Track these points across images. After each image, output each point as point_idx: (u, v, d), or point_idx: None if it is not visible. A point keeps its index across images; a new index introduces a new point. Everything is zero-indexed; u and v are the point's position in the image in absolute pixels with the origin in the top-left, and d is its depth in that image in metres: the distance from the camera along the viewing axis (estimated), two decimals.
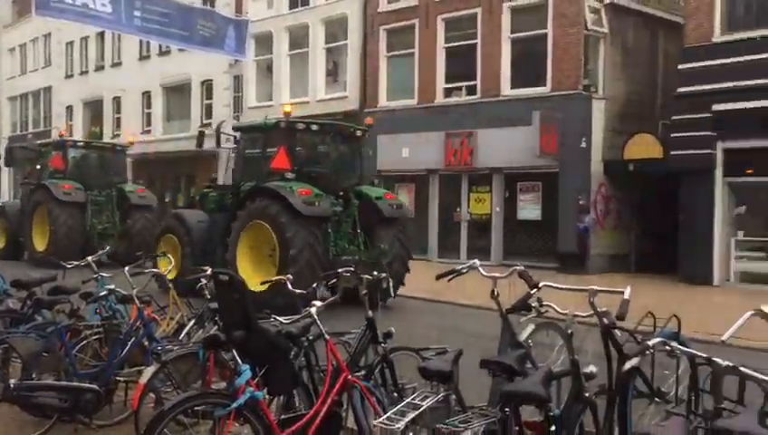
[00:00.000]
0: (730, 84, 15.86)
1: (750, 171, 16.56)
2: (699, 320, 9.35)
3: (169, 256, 8.81)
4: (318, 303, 4.92)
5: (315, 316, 4.80)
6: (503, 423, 3.91)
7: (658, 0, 21.23)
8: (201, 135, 14.70)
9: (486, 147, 20.25)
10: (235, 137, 13.92)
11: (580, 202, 18.68)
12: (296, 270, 10.61)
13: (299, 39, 25.74)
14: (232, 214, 12.88)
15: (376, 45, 23.42)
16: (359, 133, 13.73)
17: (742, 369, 3.32)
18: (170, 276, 7.40)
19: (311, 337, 5.10)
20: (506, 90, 20.36)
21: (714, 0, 16.64)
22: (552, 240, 19.36)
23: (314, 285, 5.53)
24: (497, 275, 5.22)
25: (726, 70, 15.98)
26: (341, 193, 13.02)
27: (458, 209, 21.41)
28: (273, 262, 12.04)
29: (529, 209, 20.15)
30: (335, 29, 24.82)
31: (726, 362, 3.44)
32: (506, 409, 3.91)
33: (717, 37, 16.70)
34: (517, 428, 3.97)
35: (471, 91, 21.25)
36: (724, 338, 3.67)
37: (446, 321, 11.31)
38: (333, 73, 25.19)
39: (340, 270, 5.55)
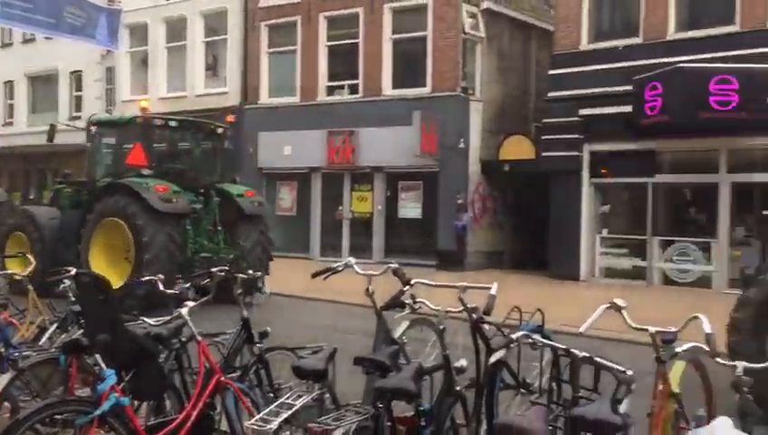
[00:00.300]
0: (595, 90, 16.79)
1: (613, 173, 17.60)
2: (564, 313, 9.83)
3: (29, 256, 8.32)
4: (190, 303, 4.79)
5: (186, 317, 4.66)
6: (375, 419, 3.96)
7: (532, 8, 22.17)
8: (52, 128, 14.11)
9: (368, 146, 20.42)
10: (90, 132, 13.48)
11: (459, 201, 19.20)
12: (152, 268, 10.47)
13: (177, 31, 24.93)
14: (85, 211, 12.51)
15: (257, 41, 23.07)
16: (220, 130, 13.84)
17: (596, 359, 3.53)
18: None
19: (183, 339, 4.96)
20: (388, 90, 20.61)
21: (581, 10, 17.56)
22: (432, 238, 19.79)
23: (186, 284, 5.37)
24: (372, 272, 5.28)
25: (592, 76, 16.91)
26: (202, 190, 12.97)
27: (340, 208, 21.47)
28: (129, 261, 11.73)
29: (410, 208, 20.50)
30: (215, 23, 24.22)
31: (583, 353, 3.64)
32: (379, 405, 3.96)
33: (584, 45, 17.63)
34: (390, 423, 4.03)
35: (353, 89, 21.36)
36: (581, 330, 3.87)
37: (325, 319, 11.33)
38: (213, 68, 24.57)
39: (213, 269, 5.42)
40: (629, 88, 15.93)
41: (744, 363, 3.42)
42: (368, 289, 5.15)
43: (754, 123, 14.58)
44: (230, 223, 12.80)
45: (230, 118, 14.44)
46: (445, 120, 19.15)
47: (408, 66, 20.61)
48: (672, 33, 16.32)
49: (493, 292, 4.18)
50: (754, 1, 15.17)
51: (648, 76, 15.59)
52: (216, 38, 24.27)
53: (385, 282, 5.25)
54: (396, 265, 5.09)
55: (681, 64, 14.98)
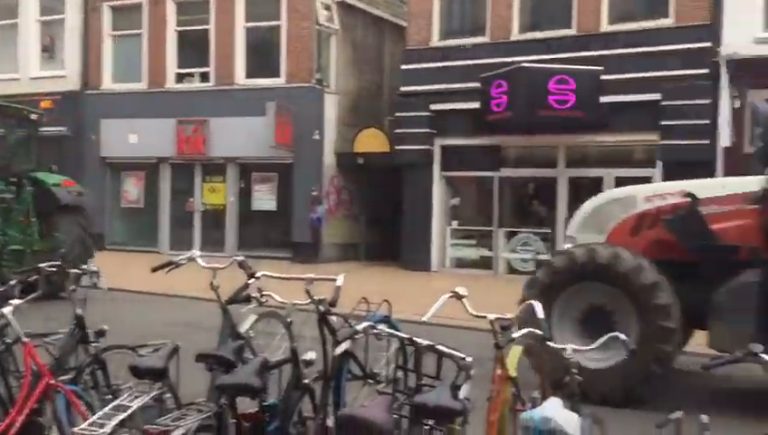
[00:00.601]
0: (445, 86, 17.31)
1: (462, 167, 18.24)
2: (414, 303, 10.06)
3: None
4: (15, 301, 4.43)
5: (9, 317, 4.29)
6: (218, 417, 3.84)
7: (385, 2, 22.48)
8: None
9: (220, 136, 19.89)
10: None
11: (314, 193, 19.16)
12: None
13: (7, 9, 22.93)
14: None
15: (98, 22, 21.75)
16: (34, 117, 13.19)
17: (438, 347, 3.62)
18: None
19: (8, 340, 4.59)
20: (241, 79, 20.17)
21: (432, 7, 18.02)
22: (287, 231, 19.63)
23: (12, 281, 4.96)
24: (217, 265, 5.12)
25: (443, 72, 17.42)
26: (14, 179, 12.26)
27: (191, 199, 20.79)
28: None
29: (264, 200, 20.22)
30: (51, 1, 22.57)
31: (426, 342, 3.71)
32: (222, 402, 3.84)
33: (435, 42, 18.12)
34: (234, 421, 3.92)
35: (204, 77, 20.71)
36: (424, 319, 3.95)
37: (170, 315, 10.92)
38: (50, 50, 22.87)
39: (42, 265, 5.04)
40: (477, 85, 16.57)
41: (573, 346, 3.63)
42: (212, 283, 4.99)
43: (589, 122, 15.66)
44: (46, 214, 12.21)
45: (45, 103, 13.60)
46: (299, 112, 19.02)
47: (262, 56, 20.27)
48: (516, 34, 17.13)
49: (338, 283, 4.17)
50: (588, 7, 16.23)
51: (494, 74, 16.29)
52: (52, 17, 22.60)
53: (232, 275, 5.11)
54: (242, 258, 4.97)
55: (524, 64, 15.77)
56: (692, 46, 14.86)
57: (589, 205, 7.97)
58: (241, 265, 4.87)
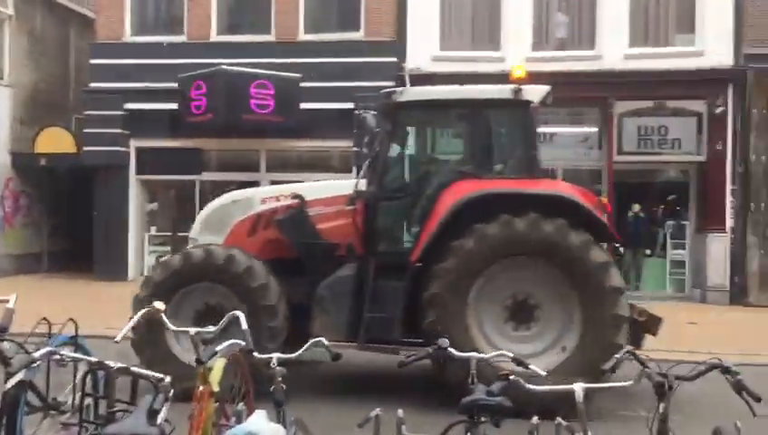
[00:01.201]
0: (141, 85, 16.37)
1: (160, 170, 17.38)
2: (107, 318, 9.35)
3: None
4: None
5: None
6: None
7: None
8: None
9: None
10: None
11: None
12: None
13: None
14: None
15: None
16: None
17: (133, 369, 3.29)
18: None
19: None
20: None
21: (123, 0, 16.92)
22: None
23: None
24: None
25: (137, 70, 16.43)
26: None
27: None
28: None
29: None
30: None
31: (118, 364, 3.35)
32: None
33: (128, 37, 17.05)
34: None
35: None
36: (117, 339, 3.58)
37: None
38: None
39: None
40: (175, 85, 15.94)
41: (279, 355, 3.56)
42: None
43: (289, 127, 15.96)
44: None
45: None
46: None
47: None
48: (215, 36, 16.83)
49: (10, 305, 3.60)
50: (286, 15, 16.54)
51: (193, 75, 15.80)
52: None
53: None
54: None
55: (223, 66, 15.54)
56: (380, 60, 15.91)
57: (209, 207, 8.13)
58: None
